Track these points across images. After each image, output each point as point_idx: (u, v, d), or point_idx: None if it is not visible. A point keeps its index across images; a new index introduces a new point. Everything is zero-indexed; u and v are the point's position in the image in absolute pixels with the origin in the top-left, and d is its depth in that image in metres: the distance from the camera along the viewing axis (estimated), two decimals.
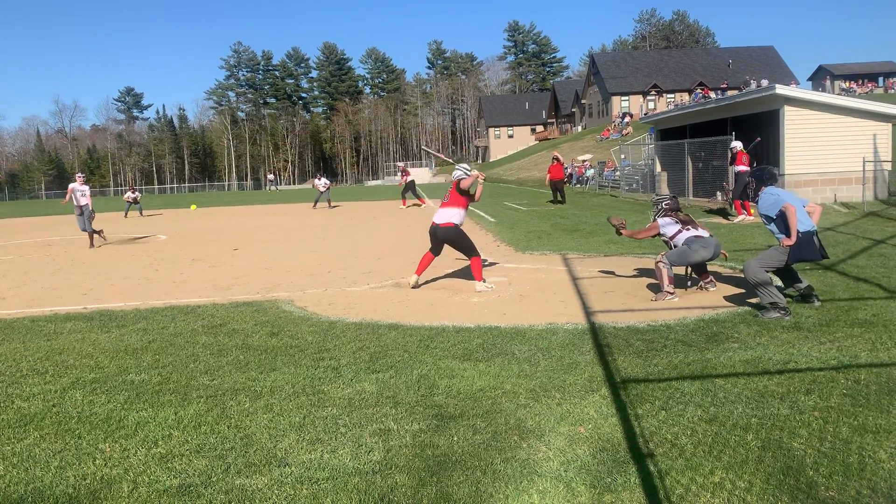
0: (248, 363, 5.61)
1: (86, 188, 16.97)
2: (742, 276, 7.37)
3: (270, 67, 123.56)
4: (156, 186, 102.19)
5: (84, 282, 10.68)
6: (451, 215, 8.69)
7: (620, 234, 8.65)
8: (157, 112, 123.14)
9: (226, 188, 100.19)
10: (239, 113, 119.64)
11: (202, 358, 5.81)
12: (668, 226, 8.06)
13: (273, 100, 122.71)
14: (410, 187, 28.81)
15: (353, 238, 16.32)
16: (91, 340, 6.59)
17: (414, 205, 28.01)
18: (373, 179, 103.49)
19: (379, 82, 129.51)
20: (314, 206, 30.42)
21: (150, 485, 3.45)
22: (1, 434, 4.25)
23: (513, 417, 4.25)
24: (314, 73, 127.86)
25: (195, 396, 4.79)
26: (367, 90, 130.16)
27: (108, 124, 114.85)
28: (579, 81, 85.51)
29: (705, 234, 7.89)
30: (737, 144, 16.71)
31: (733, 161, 16.66)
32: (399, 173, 32.53)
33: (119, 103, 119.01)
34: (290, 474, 3.53)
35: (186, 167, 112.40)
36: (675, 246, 7.89)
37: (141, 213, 31.15)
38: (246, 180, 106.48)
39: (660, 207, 8.31)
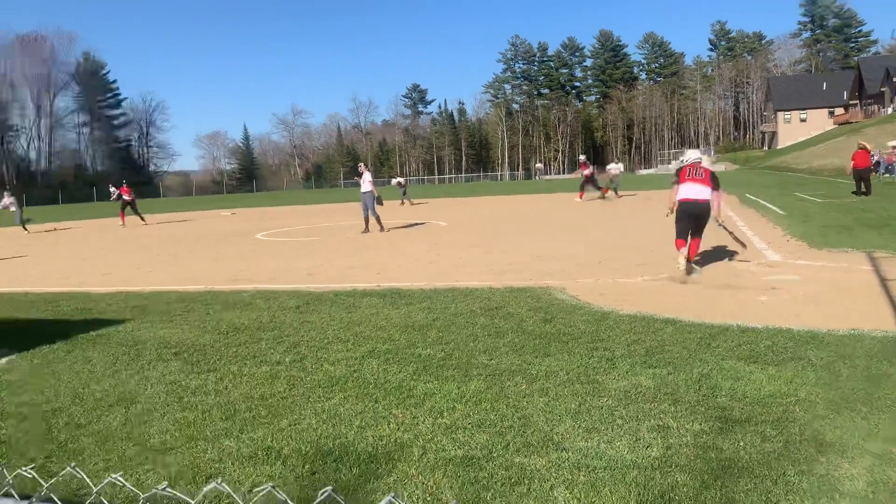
0: (524, 347, 5.77)
1: (367, 175, 18.19)
2: None
3: (545, 58, 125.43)
4: (436, 176, 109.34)
5: (377, 262, 11.80)
6: (707, 193, 9.00)
7: None
8: (439, 106, 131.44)
9: (498, 178, 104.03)
10: (513, 105, 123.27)
11: (481, 338, 6.10)
12: None
13: (546, 90, 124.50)
14: (591, 181, 27.89)
15: (623, 228, 16.02)
16: (384, 315, 7.26)
17: (600, 198, 27.33)
18: (645, 168, 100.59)
19: (655, 67, 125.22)
20: (603, 195, 28.93)
21: (437, 452, 3.71)
22: (313, 392, 4.84)
23: (808, 428, 3.86)
24: (588, 62, 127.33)
25: (475, 374, 5.05)
26: (643, 76, 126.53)
27: (396, 119, 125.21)
28: (890, 58, 74.80)
29: None
30: None
31: None
32: (579, 166, 31.32)
33: (406, 99, 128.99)
34: (567, 459, 3.57)
35: (464, 158, 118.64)
36: None
37: (403, 202, 32.26)
38: (518, 170, 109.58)
39: None
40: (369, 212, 17.62)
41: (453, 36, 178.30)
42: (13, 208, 26.43)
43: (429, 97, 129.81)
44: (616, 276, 9.33)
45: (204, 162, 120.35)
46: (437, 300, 7.91)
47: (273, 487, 0.98)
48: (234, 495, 0.98)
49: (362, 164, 19.21)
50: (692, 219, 9.03)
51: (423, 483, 3.37)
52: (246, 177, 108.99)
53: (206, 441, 4.04)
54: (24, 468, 1.10)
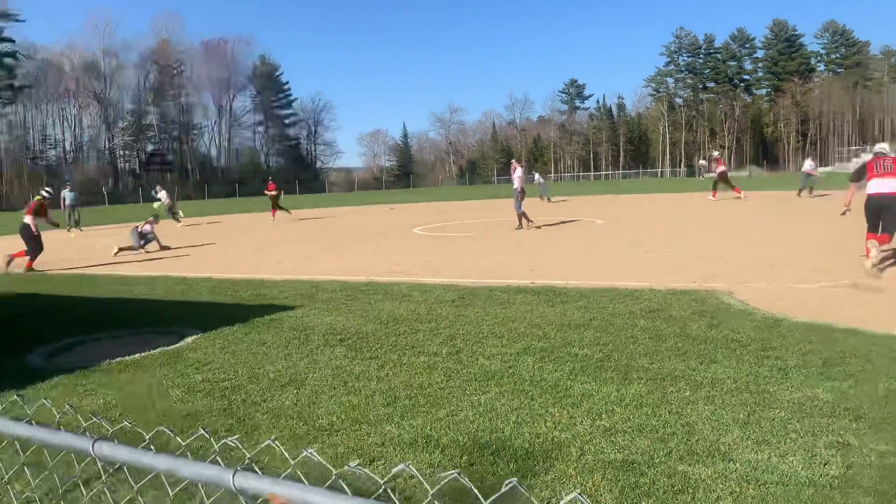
0: (687, 352, 5.53)
1: (519, 171, 18.21)
2: None
3: (712, 51, 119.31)
4: (591, 173, 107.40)
5: (531, 259, 11.77)
6: None
7: None
8: (597, 101, 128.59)
9: (658, 175, 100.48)
10: (676, 99, 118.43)
11: (641, 340, 5.92)
12: None
13: (713, 84, 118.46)
14: (723, 178, 26.48)
15: (798, 229, 14.93)
16: (539, 312, 7.23)
17: (735, 197, 25.84)
18: (821, 166, 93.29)
19: (835, 58, 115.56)
20: (798, 193, 27.20)
21: (595, 454, 3.64)
22: (469, 385, 4.91)
23: None
24: (759, 53, 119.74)
25: (635, 377, 4.90)
26: (821, 67, 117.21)
27: (552, 115, 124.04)
28: None
29: None
30: None
31: None
32: (710, 164, 29.14)
33: (563, 95, 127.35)
34: (735, 470, 3.38)
35: (621, 154, 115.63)
36: None
37: (542, 198, 31.63)
38: (679, 167, 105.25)
39: None
40: (518, 207, 17.74)
41: (614, 29, 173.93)
42: (165, 202, 27.35)
43: (586, 92, 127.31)
44: (789, 280, 8.71)
45: (365, 159, 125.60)
46: (593, 300, 7.76)
47: (458, 474, 0.99)
48: (422, 479, 1.00)
49: (514, 161, 19.33)
50: (881, 213, 8.49)
51: (581, 484, 3.32)
52: (403, 173, 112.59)
53: (370, 425, 4.21)
54: (229, 438, 1.18)
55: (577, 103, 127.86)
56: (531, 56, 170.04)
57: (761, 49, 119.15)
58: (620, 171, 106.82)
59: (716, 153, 30.36)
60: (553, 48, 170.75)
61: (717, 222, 17.87)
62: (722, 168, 27.56)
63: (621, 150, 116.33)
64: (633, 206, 27.11)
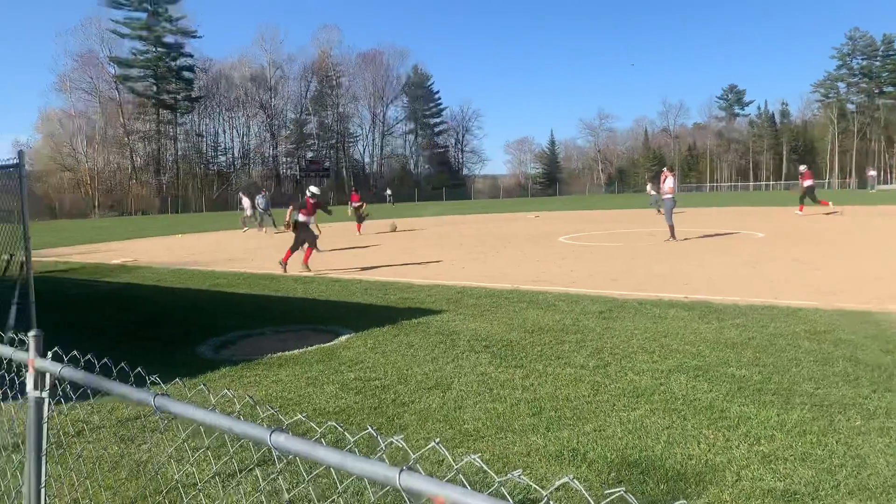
0: (858, 378, 5.10)
1: (670, 180, 17.50)
2: None
3: (892, 52, 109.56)
4: (750, 183, 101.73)
5: (684, 272, 11.31)
6: None
7: None
8: (758, 108, 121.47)
9: (826, 186, 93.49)
10: (848, 105, 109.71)
11: (805, 363, 5.53)
12: None
13: (890, 88, 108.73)
14: (809, 192, 25.12)
15: None
16: (692, 329, 6.93)
17: (830, 213, 24.33)
18: None
19: None
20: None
21: (753, 481, 3.44)
22: (617, 401, 4.79)
23: None
24: None
25: (798, 402, 4.59)
26: None
27: (708, 122, 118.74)
28: None
29: None
30: None
31: None
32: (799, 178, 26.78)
33: (721, 101, 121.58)
34: None
35: (784, 163, 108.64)
36: None
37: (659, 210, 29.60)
38: (850, 177, 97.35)
39: None
40: (669, 218, 17.15)
41: (778, 31, 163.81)
42: (252, 210, 28.33)
43: (746, 98, 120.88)
44: None
45: (511, 166, 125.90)
46: (752, 317, 7.34)
47: (624, 491, 0.97)
48: (586, 494, 0.99)
49: (665, 169, 18.61)
50: None
51: None
52: (549, 181, 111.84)
53: (514, 434, 4.21)
54: (395, 437, 1.23)
55: (737, 109, 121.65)
56: (687, 61, 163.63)
57: None
58: (783, 182, 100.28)
59: (802, 167, 28.94)
60: (711, 52, 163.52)
61: (894, 239, 16.35)
62: (809, 182, 26.59)
63: (784, 159, 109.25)
64: (798, 218, 25.35)
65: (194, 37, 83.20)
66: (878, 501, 3.19)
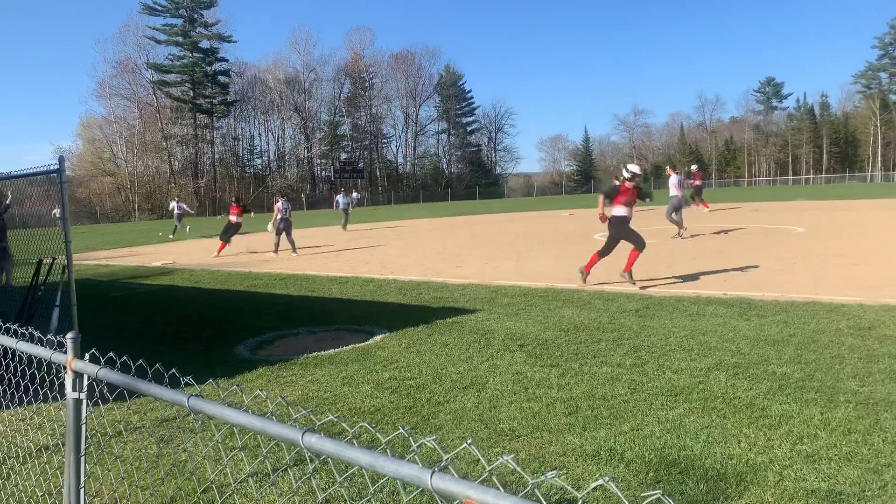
0: None
1: (674, 178, 17.83)
2: None
3: None
4: (790, 177, 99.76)
5: (720, 268, 11.11)
6: None
7: None
8: (797, 100, 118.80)
9: (868, 179, 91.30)
10: (891, 96, 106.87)
11: (848, 360, 5.39)
12: None
13: None
14: (696, 192, 26.71)
15: None
16: (731, 326, 6.81)
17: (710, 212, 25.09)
18: None
19: None
20: None
21: (796, 481, 3.36)
22: (655, 399, 4.72)
23: None
24: None
25: (842, 400, 4.47)
26: None
27: (746, 115, 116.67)
28: None
29: None
30: None
31: None
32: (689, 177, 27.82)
33: (758, 94, 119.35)
34: None
35: (824, 157, 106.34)
36: None
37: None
38: (893, 170, 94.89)
39: None
40: (668, 215, 17.46)
41: (816, 21, 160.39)
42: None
43: (785, 91, 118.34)
44: None
45: (545, 164, 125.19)
46: (793, 314, 7.19)
47: (662, 495, 0.95)
48: (621, 495, 0.97)
49: (669, 168, 18.91)
50: None
51: None
52: (584, 178, 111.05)
53: (550, 433, 4.17)
54: (427, 438, 1.22)
55: (775, 103, 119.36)
56: (723, 54, 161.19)
57: None
58: (823, 175, 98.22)
59: (694, 167, 29.52)
60: (747, 45, 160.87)
61: None
62: (698, 182, 27.83)
63: (824, 152, 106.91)
64: (839, 213, 24.78)
65: (229, 42, 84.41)
66: None
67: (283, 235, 17.61)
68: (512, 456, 1.11)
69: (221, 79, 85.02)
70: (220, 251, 18.30)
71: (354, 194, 28.50)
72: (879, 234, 15.77)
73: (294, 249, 17.57)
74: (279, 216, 17.49)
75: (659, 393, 4.85)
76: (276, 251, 17.71)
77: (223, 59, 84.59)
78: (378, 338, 7.12)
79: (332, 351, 6.62)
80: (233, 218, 18.56)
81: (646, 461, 3.68)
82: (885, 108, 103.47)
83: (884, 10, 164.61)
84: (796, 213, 25.69)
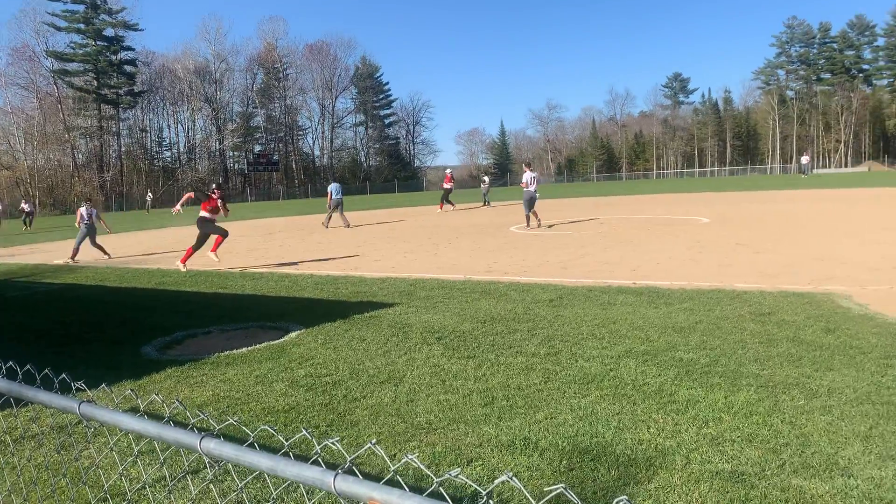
0: (801, 358, 5.22)
1: (528, 174, 18.72)
2: None
3: (827, 40, 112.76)
4: (696, 170, 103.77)
5: (631, 258, 11.46)
6: None
7: None
8: (703, 96, 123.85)
9: (768, 171, 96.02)
10: (788, 92, 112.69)
11: (750, 345, 5.64)
12: None
13: (828, 75, 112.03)
14: (446, 193, 28.37)
15: None
16: (641, 314, 7.02)
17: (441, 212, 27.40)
18: None
19: None
20: None
21: (702, 463, 3.48)
22: (568, 388, 4.81)
23: None
24: (880, 41, 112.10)
25: (745, 384, 4.67)
26: None
27: (654, 110, 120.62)
28: None
29: None
30: None
31: None
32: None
33: (666, 89, 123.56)
34: (856, 487, 3.16)
35: (728, 150, 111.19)
36: None
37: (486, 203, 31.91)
38: (790, 163, 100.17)
39: None
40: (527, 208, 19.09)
41: (720, 20, 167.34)
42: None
43: (691, 86, 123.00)
44: None
45: (463, 157, 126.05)
46: (699, 302, 7.47)
47: (565, 488, 0.94)
48: (527, 493, 0.96)
49: (524, 164, 20.15)
50: None
51: (685, 494, 3.18)
52: (501, 171, 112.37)
53: (467, 425, 4.19)
54: (331, 440, 1.18)
55: (681, 98, 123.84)
56: (633, 50, 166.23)
57: (882, 37, 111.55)
58: (727, 168, 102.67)
59: (448, 170, 32.39)
60: (656, 41, 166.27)
61: (832, 221, 16.88)
62: (448, 185, 30.63)
63: (728, 145, 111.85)
64: (741, 204, 25.96)
65: (135, 30, 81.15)
66: (821, 479, 3.26)
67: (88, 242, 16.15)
68: (416, 454, 1.08)
69: (127, 68, 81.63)
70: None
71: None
72: (778, 224, 16.62)
73: (105, 253, 16.38)
74: (82, 223, 16.27)
75: (572, 381, 4.94)
76: (73, 257, 16.20)
77: (129, 48, 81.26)
78: (293, 334, 6.99)
79: (244, 349, 6.45)
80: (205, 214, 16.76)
81: (559, 449, 3.74)
82: (783, 103, 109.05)
83: (781, 10, 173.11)
84: (702, 204, 26.76)
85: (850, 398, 4.32)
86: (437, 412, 4.44)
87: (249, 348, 6.48)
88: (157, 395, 1.64)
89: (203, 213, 12.84)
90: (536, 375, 5.12)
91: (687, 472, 3.40)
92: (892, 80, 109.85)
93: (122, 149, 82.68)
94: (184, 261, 13.03)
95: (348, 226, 22.64)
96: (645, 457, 3.60)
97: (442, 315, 7.53)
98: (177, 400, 1.50)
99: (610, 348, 5.78)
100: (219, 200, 12.85)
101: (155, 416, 1.55)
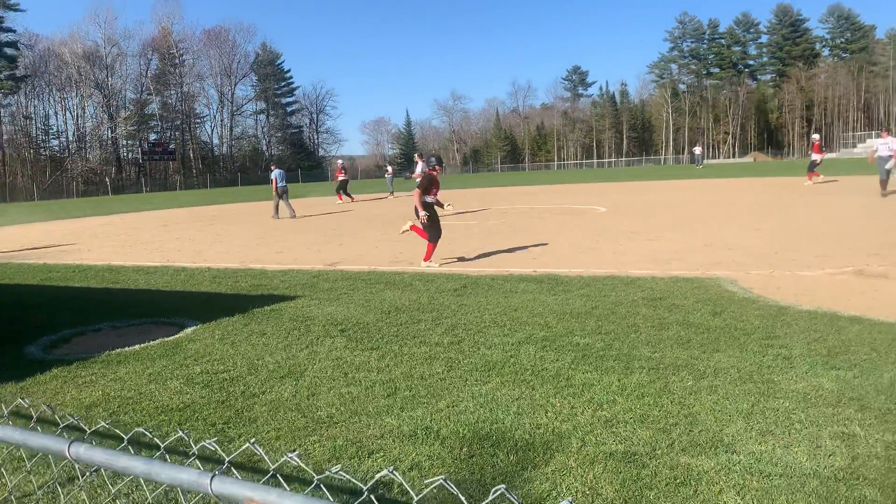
0: (690, 340, 5.48)
1: (420, 165, 18.89)
2: None
3: (716, 36, 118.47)
4: (594, 161, 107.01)
5: (532, 247, 11.70)
6: None
7: None
8: (600, 88, 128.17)
9: (662, 162, 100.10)
10: (680, 85, 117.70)
11: (643, 329, 5.87)
12: None
13: (717, 69, 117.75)
14: (342, 185, 28.85)
15: (802, 217, 14.84)
16: (541, 301, 7.17)
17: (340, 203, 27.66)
18: (827, 152, 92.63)
19: (840, 43, 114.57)
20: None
21: (596, 445, 3.59)
22: (470, 375, 4.86)
23: None
24: (764, 38, 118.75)
25: (637, 366, 4.85)
26: (825, 52, 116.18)
27: (555, 102, 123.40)
28: None
29: None
30: None
31: None
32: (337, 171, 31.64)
33: (566, 82, 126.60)
34: (739, 462, 3.33)
35: (625, 142, 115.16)
36: None
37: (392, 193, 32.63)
38: (683, 154, 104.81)
39: None
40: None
41: (617, 15, 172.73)
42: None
43: (589, 79, 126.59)
44: (794, 268, 8.65)
45: (369, 147, 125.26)
46: (595, 288, 7.71)
47: (445, 480, 0.94)
48: (406, 485, 0.95)
49: (416, 155, 20.01)
50: None
51: (581, 476, 3.27)
52: (407, 161, 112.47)
53: (369, 417, 4.17)
54: (208, 440, 1.13)
55: (581, 90, 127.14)
56: (534, 42, 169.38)
57: (766, 34, 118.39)
58: (623, 159, 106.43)
59: (339, 161, 34.19)
60: (556, 35, 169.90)
61: (720, 210, 17.78)
62: (343, 177, 30.21)
63: (624, 137, 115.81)
64: (636, 193, 26.97)
65: (16, 10, 76.02)
66: (707, 456, 3.42)
67: None
68: (297, 453, 1.05)
69: (8, 51, 76.45)
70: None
71: None
72: (670, 212, 17.37)
73: None
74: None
75: (474, 369, 4.99)
76: None
77: (9, 30, 76.10)
78: (189, 330, 6.75)
79: (137, 346, 6.18)
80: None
81: (460, 437, 3.78)
82: (676, 96, 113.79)
83: (674, 5, 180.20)
84: (599, 193, 27.63)
85: (735, 378, 4.56)
86: (338, 405, 4.39)
87: (142, 345, 6.21)
88: (22, 398, 1.53)
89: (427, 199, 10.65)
90: (439, 364, 5.15)
91: (582, 454, 3.50)
92: (774, 75, 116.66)
93: (4, 137, 77.50)
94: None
95: (293, 216, 21.62)
96: (542, 441, 3.68)
97: (345, 307, 7.46)
98: (45, 405, 1.41)
99: (511, 335, 5.88)
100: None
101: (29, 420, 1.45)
